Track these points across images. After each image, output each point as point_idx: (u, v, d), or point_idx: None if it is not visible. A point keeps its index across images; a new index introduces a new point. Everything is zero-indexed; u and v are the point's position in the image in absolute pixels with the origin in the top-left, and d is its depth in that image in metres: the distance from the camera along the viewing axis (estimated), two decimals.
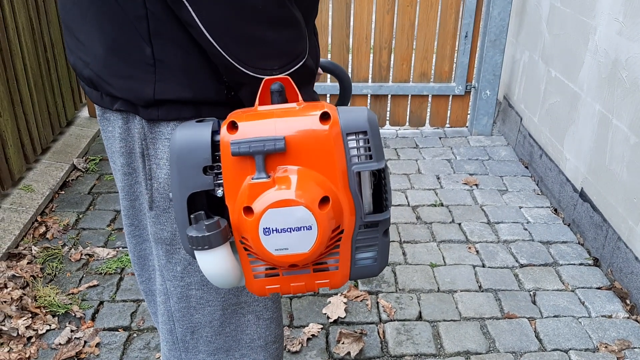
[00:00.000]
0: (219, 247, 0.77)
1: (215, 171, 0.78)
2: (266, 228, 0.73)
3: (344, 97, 1.34)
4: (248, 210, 0.74)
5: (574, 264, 2.38)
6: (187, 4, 0.78)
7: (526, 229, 2.61)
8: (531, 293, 2.22)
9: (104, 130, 1.01)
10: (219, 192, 0.78)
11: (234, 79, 0.85)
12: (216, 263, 0.77)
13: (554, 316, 2.10)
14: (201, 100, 0.89)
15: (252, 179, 0.74)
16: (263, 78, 0.84)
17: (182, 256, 1.00)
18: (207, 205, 0.80)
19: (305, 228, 0.74)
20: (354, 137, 0.77)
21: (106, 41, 0.87)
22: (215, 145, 0.78)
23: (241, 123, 0.75)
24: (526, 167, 3.16)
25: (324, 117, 0.76)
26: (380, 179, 0.81)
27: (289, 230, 0.73)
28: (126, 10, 0.83)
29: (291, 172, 0.75)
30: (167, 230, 0.98)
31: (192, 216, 0.77)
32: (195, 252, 0.77)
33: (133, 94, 0.89)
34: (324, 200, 0.75)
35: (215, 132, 0.79)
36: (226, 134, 0.76)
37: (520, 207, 2.79)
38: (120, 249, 2.45)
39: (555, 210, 2.76)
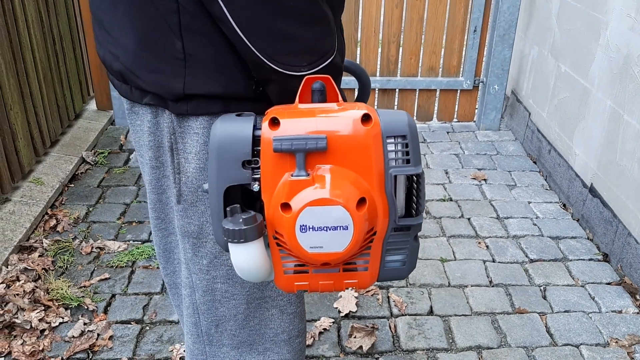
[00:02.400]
0: (254, 242, 0.77)
1: (253, 166, 0.79)
2: (303, 225, 0.74)
3: (362, 97, 1.33)
4: (286, 206, 0.74)
5: (584, 260, 2.39)
6: (219, 0, 0.78)
7: (535, 224, 2.62)
8: (541, 288, 2.23)
9: (132, 124, 1.01)
10: (255, 187, 0.78)
11: (262, 75, 0.86)
12: (249, 257, 0.78)
13: (564, 311, 2.11)
14: (230, 95, 0.89)
15: (292, 175, 0.74)
16: (291, 74, 0.84)
17: (208, 250, 1.00)
18: (241, 199, 0.81)
19: (341, 228, 0.74)
20: (393, 140, 0.78)
21: (137, 35, 0.87)
22: (255, 140, 0.78)
23: (283, 120, 0.76)
24: (534, 162, 3.16)
25: (366, 118, 0.76)
26: (413, 184, 0.82)
27: (325, 229, 0.74)
28: (157, 4, 0.83)
29: (330, 171, 0.75)
30: (194, 224, 0.98)
31: (228, 209, 0.78)
32: (230, 244, 0.78)
33: (163, 88, 0.89)
34: (361, 202, 0.75)
35: (254, 127, 0.79)
36: (267, 129, 0.76)
37: (529, 202, 2.79)
38: (131, 242, 2.45)
39: (564, 205, 2.77)
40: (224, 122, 0.79)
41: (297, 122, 0.76)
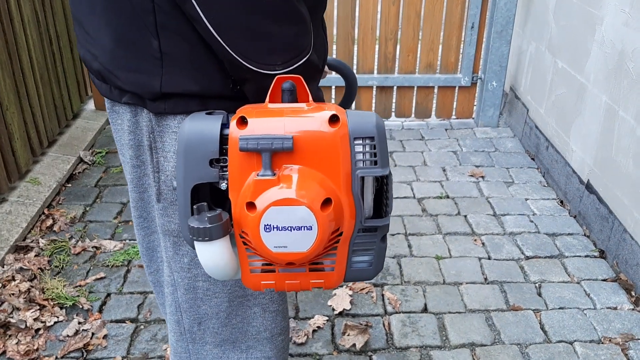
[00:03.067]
0: (219, 240, 0.77)
1: (221, 164, 0.79)
2: (267, 225, 0.74)
3: (349, 95, 1.33)
4: (251, 205, 0.74)
5: (580, 256, 2.38)
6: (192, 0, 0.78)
7: (532, 221, 2.61)
8: (537, 285, 2.22)
9: (114, 123, 1.02)
10: (223, 185, 0.78)
11: (238, 74, 0.86)
12: (215, 255, 0.78)
13: (559, 308, 2.10)
14: (207, 93, 0.90)
15: (258, 175, 0.75)
16: (266, 73, 0.84)
17: (189, 248, 1.01)
18: (210, 197, 0.81)
19: (305, 228, 0.74)
20: (360, 141, 0.78)
21: (114, 34, 0.88)
22: (223, 139, 0.78)
23: (251, 119, 0.76)
24: (532, 159, 3.15)
25: (333, 119, 0.77)
26: (382, 185, 0.82)
27: (289, 228, 0.74)
28: (133, 4, 0.84)
29: (296, 171, 0.75)
30: (174, 222, 0.99)
31: (194, 207, 0.78)
32: (195, 242, 0.78)
33: (140, 87, 0.89)
34: (326, 202, 0.75)
35: (224, 125, 0.79)
36: (235, 128, 0.76)
37: (526, 199, 2.78)
38: (127, 241, 2.46)
39: (561, 202, 2.76)
40: (193, 120, 0.80)
41: (265, 122, 0.76)
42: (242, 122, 0.76)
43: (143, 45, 0.86)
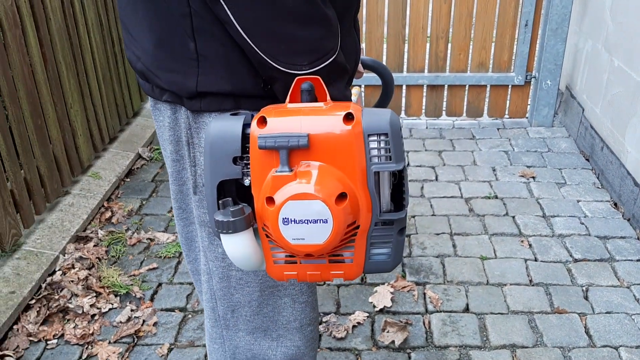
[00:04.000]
0: (242, 232, 0.82)
1: (245, 162, 0.84)
2: (285, 218, 0.78)
3: (385, 94, 1.35)
4: (270, 200, 0.79)
5: (632, 260, 2.31)
6: (222, 3, 0.83)
7: (583, 223, 2.55)
8: (584, 288, 2.18)
9: (156, 120, 1.09)
10: (247, 182, 0.83)
11: (267, 74, 0.91)
12: (239, 246, 0.83)
13: (606, 312, 2.05)
14: (240, 93, 0.95)
15: (276, 171, 0.79)
16: (293, 73, 0.88)
17: None
18: (236, 193, 0.86)
19: (321, 221, 0.78)
20: (375, 138, 0.81)
21: (154, 37, 0.94)
22: (245, 138, 0.83)
23: (270, 118, 0.81)
24: (587, 160, 3.07)
25: (348, 117, 0.80)
26: (400, 180, 0.85)
27: (306, 222, 0.78)
28: (172, 8, 0.90)
29: (313, 167, 0.80)
30: None
31: (220, 201, 0.83)
32: (221, 235, 0.83)
33: (178, 87, 0.96)
34: (342, 197, 0.79)
35: (247, 125, 0.84)
36: (256, 127, 0.81)
37: (579, 201, 2.72)
38: None
39: (615, 204, 2.68)
40: (217, 121, 0.85)
41: (283, 121, 0.80)
42: (262, 121, 0.81)
43: (181, 47, 0.93)
